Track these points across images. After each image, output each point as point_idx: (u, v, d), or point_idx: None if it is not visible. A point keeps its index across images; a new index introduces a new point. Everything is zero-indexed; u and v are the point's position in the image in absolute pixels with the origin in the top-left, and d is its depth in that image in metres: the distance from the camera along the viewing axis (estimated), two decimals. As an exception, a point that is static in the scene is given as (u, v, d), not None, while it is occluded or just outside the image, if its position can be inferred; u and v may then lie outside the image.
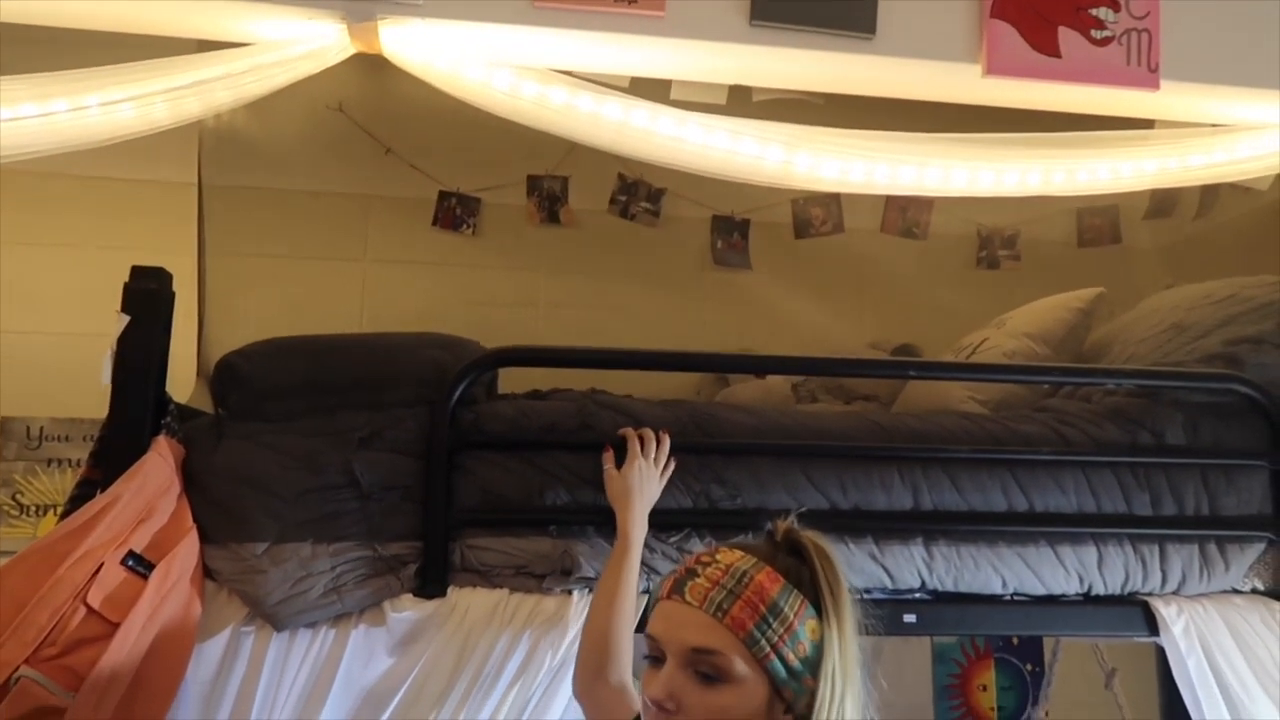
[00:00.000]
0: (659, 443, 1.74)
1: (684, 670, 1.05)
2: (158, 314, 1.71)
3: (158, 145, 2.11)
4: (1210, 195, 3.19)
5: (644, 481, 1.69)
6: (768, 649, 1.05)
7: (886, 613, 1.85)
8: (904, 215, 3.41)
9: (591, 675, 1.49)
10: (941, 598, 1.88)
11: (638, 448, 1.72)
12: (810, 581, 1.09)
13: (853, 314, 3.23)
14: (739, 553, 1.11)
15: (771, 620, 1.05)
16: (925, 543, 1.84)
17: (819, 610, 1.08)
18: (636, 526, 1.65)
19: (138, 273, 1.72)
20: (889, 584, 1.85)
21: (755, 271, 3.34)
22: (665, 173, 3.20)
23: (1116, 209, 3.48)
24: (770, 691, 1.05)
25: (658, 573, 1.78)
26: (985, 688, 3.19)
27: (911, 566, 1.83)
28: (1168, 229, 3.43)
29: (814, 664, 1.06)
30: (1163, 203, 3.37)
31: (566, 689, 1.66)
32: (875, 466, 1.87)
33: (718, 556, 1.10)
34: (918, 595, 1.87)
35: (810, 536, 1.12)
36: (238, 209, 2.88)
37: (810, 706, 1.05)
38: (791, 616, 1.06)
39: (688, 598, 1.07)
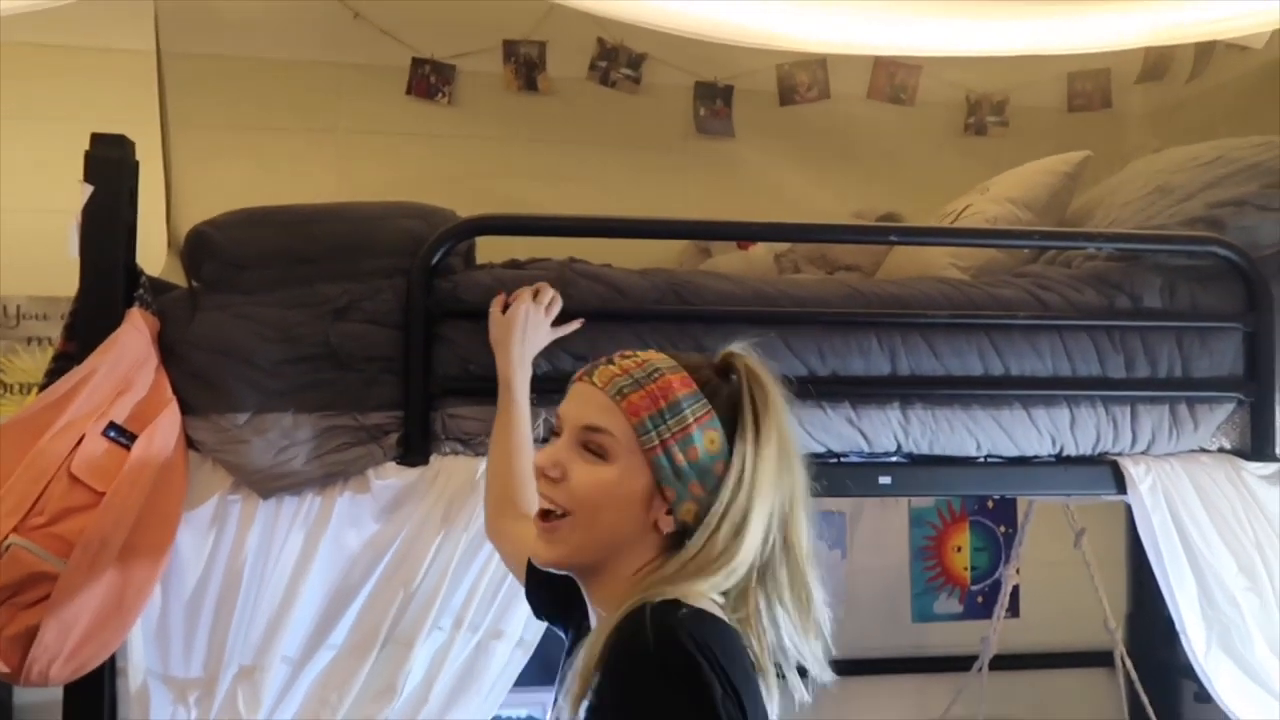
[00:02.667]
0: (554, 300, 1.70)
1: (574, 445, 1.08)
2: (121, 182, 1.67)
3: (115, 10, 2.00)
4: (1204, 56, 3.11)
5: (528, 325, 1.65)
6: (656, 441, 1.05)
7: (862, 475, 1.91)
8: (892, 80, 3.31)
9: (498, 515, 1.51)
10: (917, 460, 1.92)
11: (525, 292, 1.69)
12: (729, 399, 1.09)
13: (838, 182, 3.17)
14: (663, 355, 1.12)
15: (668, 416, 1.06)
16: (901, 407, 1.86)
17: (731, 428, 1.07)
18: (517, 369, 1.62)
19: (98, 140, 1.68)
20: (865, 447, 1.89)
21: (739, 140, 3.27)
22: (647, 37, 3.10)
23: (1108, 72, 3.39)
24: (652, 484, 1.06)
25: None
26: (960, 549, 3.30)
27: (888, 430, 1.86)
28: (1160, 93, 3.36)
29: (704, 472, 1.06)
30: (1156, 65, 3.28)
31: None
32: (853, 332, 1.88)
33: (639, 354, 1.11)
34: (894, 459, 1.91)
35: (747, 359, 1.12)
36: (200, 78, 2.78)
37: (697, 517, 1.06)
38: (691, 420, 1.06)
39: (595, 380, 1.09)
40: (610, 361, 1.10)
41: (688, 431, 1.06)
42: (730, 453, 1.07)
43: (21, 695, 2.42)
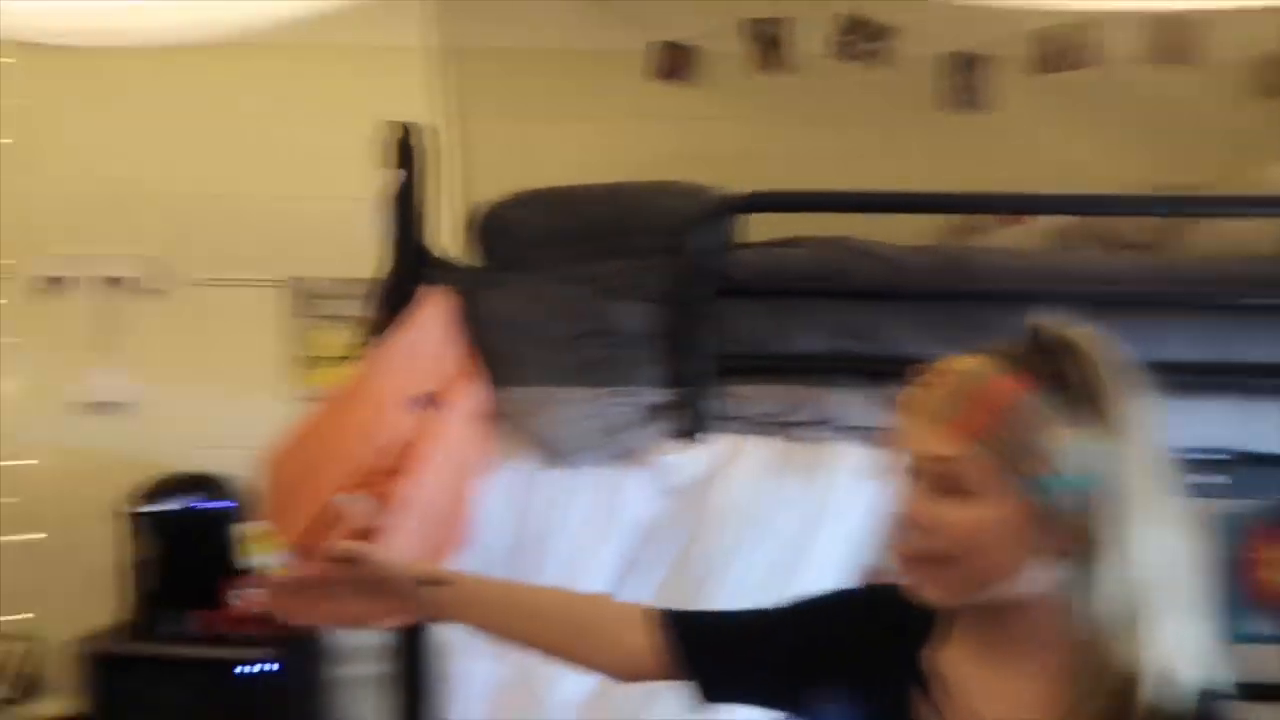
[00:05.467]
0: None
1: (919, 485, 0.89)
2: (419, 167, 1.76)
3: (398, 9, 2.12)
4: None
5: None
6: (1009, 457, 0.85)
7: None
8: (1175, 39, 3.00)
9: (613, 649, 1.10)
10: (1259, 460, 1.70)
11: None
12: (1062, 382, 0.86)
13: (1115, 155, 2.90)
14: (977, 358, 0.90)
15: (1013, 424, 0.85)
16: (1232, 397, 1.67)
17: (1079, 418, 0.86)
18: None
19: (398, 128, 1.77)
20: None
21: (994, 111, 3.07)
22: (891, 8, 2.97)
23: None
24: (1024, 513, 0.85)
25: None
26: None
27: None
28: None
29: (1078, 489, 0.84)
30: None
31: (824, 535, 1.67)
32: (1164, 314, 1.70)
33: (952, 364, 0.90)
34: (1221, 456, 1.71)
35: (1071, 330, 0.89)
36: (475, 70, 2.94)
37: (1085, 546, 0.84)
38: (1038, 422, 0.85)
39: (915, 409, 0.91)
40: (921, 386, 0.91)
41: (1038, 439, 0.86)
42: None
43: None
